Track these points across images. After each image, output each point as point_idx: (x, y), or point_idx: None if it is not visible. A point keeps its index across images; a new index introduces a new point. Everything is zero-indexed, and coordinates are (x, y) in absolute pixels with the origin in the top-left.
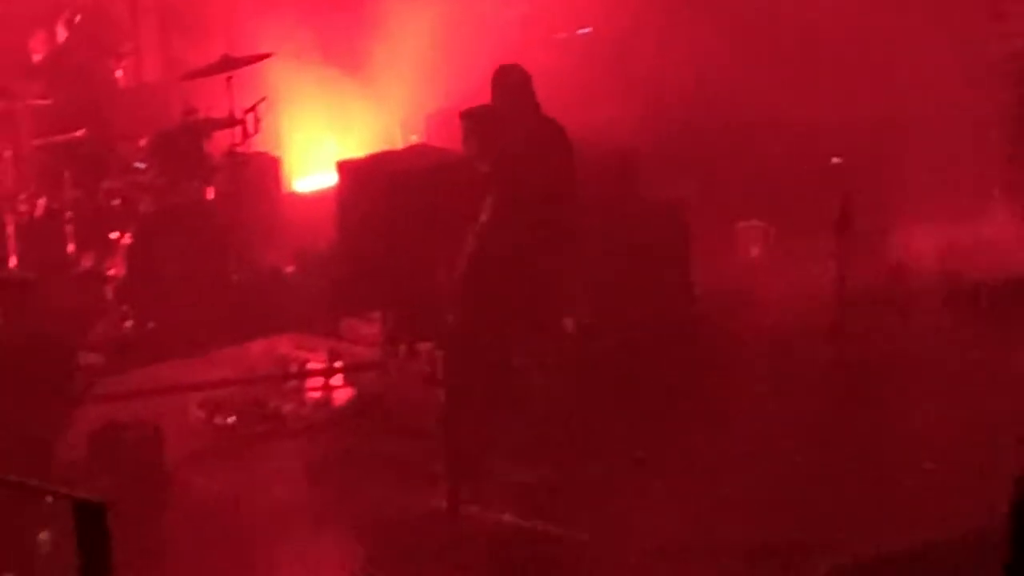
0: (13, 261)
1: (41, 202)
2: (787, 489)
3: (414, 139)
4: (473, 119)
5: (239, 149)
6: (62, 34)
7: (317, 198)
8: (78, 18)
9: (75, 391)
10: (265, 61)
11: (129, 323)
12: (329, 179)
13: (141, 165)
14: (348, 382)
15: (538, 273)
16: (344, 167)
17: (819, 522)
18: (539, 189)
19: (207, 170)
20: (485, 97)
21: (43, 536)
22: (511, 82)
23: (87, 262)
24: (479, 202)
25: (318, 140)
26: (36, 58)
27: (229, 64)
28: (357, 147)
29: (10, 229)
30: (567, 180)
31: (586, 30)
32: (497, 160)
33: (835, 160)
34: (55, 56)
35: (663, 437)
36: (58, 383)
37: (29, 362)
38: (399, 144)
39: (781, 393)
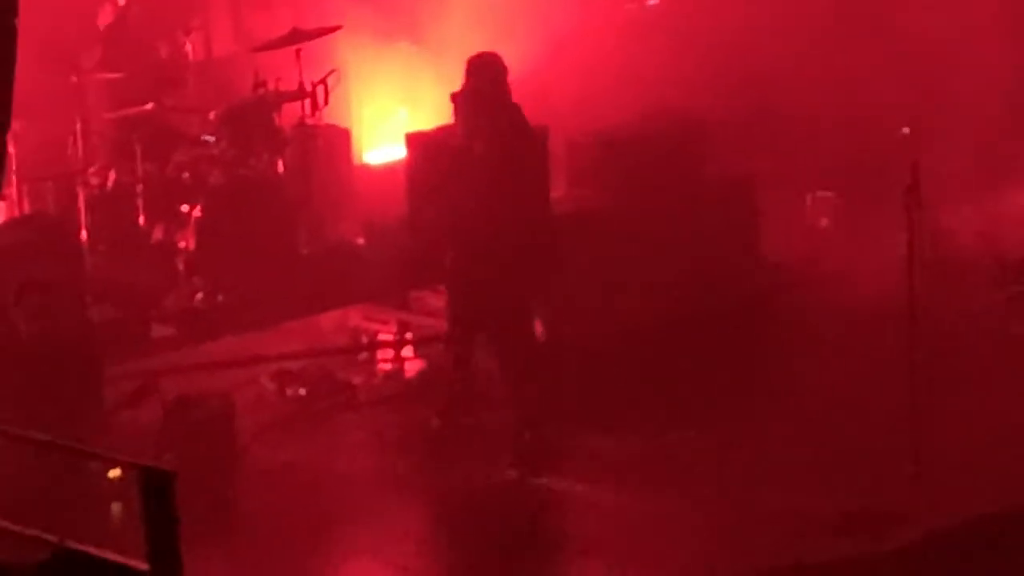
0: (83, 234)
1: (112, 175)
2: (867, 458)
3: None
4: (466, 100)
5: (309, 122)
6: (131, 8)
7: (386, 170)
8: None
9: (101, 400)
10: (334, 34)
11: (200, 295)
12: (398, 151)
13: (211, 138)
14: (418, 354)
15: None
16: (413, 139)
17: (904, 490)
18: (527, 170)
19: (277, 143)
20: (553, 68)
21: (115, 507)
22: (488, 70)
23: (157, 235)
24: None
25: (387, 112)
26: (105, 32)
27: (298, 37)
28: (426, 119)
29: (81, 202)
30: (541, 166)
31: (655, 1)
32: (489, 139)
33: (904, 130)
34: (125, 30)
35: (739, 409)
36: (85, 391)
37: (55, 370)
38: None
39: (855, 363)
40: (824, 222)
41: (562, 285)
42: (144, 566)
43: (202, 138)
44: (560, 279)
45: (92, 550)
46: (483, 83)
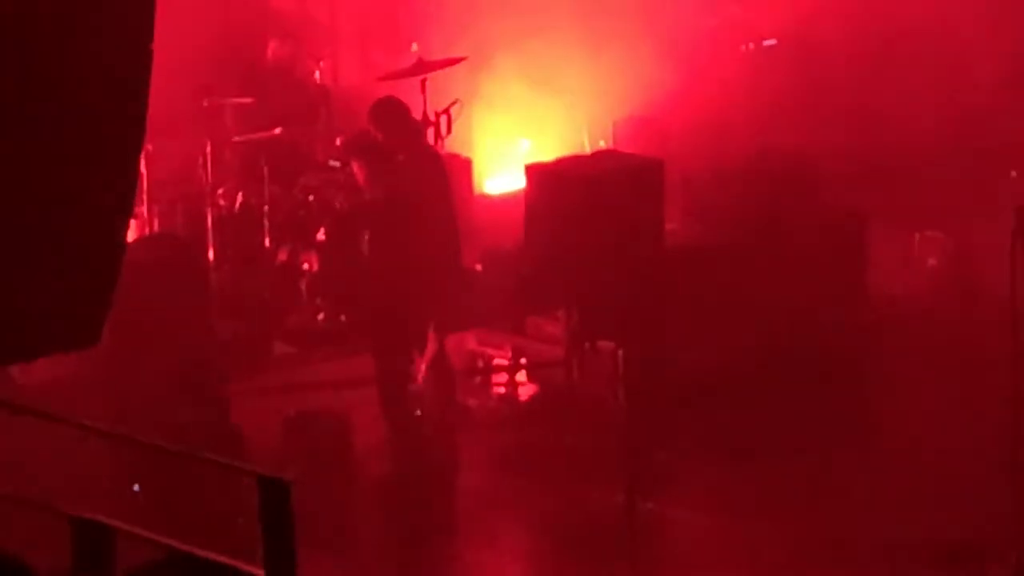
0: (211, 253)
1: (239, 197)
2: (968, 492)
3: (602, 144)
4: (362, 149)
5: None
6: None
7: (506, 199)
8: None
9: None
10: (458, 65)
11: (321, 316)
12: (517, 181)
13: (336, 163)
14: (532, 378)
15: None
16: (532, 170)
17: (1004, 525)
18: (423, 217)
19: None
20: (670, 105)
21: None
22: (391, 114)
23: (282, 256)
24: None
25: (508, 143)
26: (239, 60)
27: (423, 67)
28: (546, 151)
29: (209, 222)
30: (446, 207)
31: (771, 42)
32: (387, 188)
33: (1013, 174)
34: (257, 58)
35: (843, 441)
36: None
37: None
38: (587, 149)
39: (958, 399)
40: (932, 261)
41: (675, 315)
42: (260, 572)
43: (328, 163)
44: (673, 309)
45: (208, 554)
46: (383, 133)
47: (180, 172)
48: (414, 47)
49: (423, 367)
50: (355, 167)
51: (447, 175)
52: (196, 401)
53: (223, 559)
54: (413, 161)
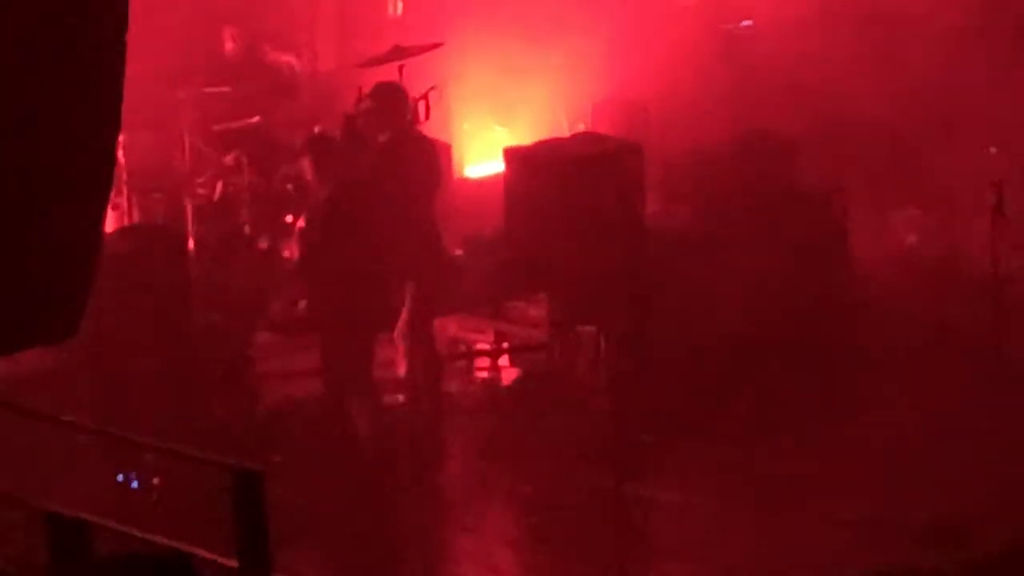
0: (191, 243)
1: (219, 186)
2: (952, 468)
3: (581, 127)
4: (313, 147)
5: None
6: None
7: (485, 184)
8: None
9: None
10: (435, 50)
11: (302, 304)
12: (497, 166)
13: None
14: (514, 362)
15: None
16: (512, 154)
17: (988, 500)
18: (396, 200)
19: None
20: (648, 87)
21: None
22: (390, 96)
23: (263, 244)
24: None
25: (486, 128)
26: (215, 49)
27: (400, 53)
28: (524, 135)
29: (188, 212)
30: (426, 191)
31: (748, 22)
32: (334, 188)
33: (992, 150)
34: (234, 46)
35: (825, 421)
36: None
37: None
38: (566, 132)
39: (940, 376)
40: (911, 239)
41: (656, 298)
42: (233, 563)
43: None
44: (654, 292)
45: (182, 546)
46: (373, 118)
47: (159, 162)
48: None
49: (402, 356)
50: (304, 165)
51: (435, 160)
52: (181, 391)
53: (196, 550)
54: (397, 145)
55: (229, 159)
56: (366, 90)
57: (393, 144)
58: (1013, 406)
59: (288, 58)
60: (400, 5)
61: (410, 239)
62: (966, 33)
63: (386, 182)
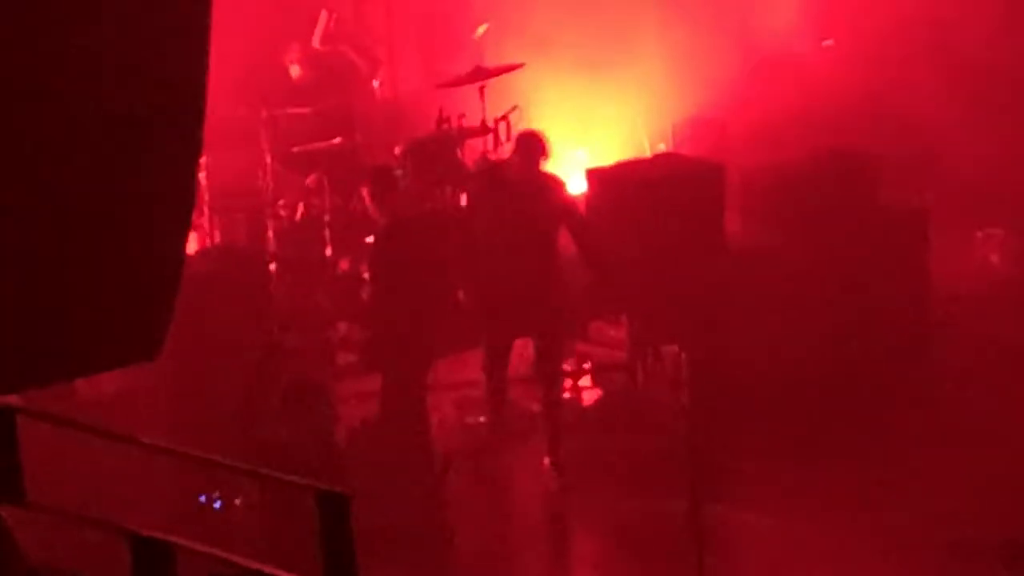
0: (272, 265)
1: (300, 207)
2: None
3: (662, 147)
4: (373, 177)
5: (491, 157)
6: (320, 45)
7: None
8: (332, 22)
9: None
10: (516, 71)
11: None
12: (579, 186)
13: (397, 172)
14: (596, 383)
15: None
16: (593, 175)
17: None
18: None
19: (460, 177)
20: (729, 106)
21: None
22: (530, 147)
23: (343, 265)
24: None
25: (567, 148)
26: (294, 69)
27: (482, 74)
28: (606, 155)
29: (270, 233)
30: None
31: (829, 42)
32: (391, 219)
33: None
34: (315, 66)
35: (906, 440)
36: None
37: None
38: (647, 152)
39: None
40: (994, 258)
41: (738, 318)
42: None
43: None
44: (736, 312)
45: (267, 568)
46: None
47: (241, 183)
48: (481, 30)
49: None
50: (364, 194)
51: (562, 196)
52: (260, 411)
53: (280, 572)
54: (533, 185)
55: (310, 180)
56: (446, 111)
57: (530, 184)
58: None
59: (369, 77)
60: (483, 26)
61: (533, 274)
62: None
63: (522, 221)
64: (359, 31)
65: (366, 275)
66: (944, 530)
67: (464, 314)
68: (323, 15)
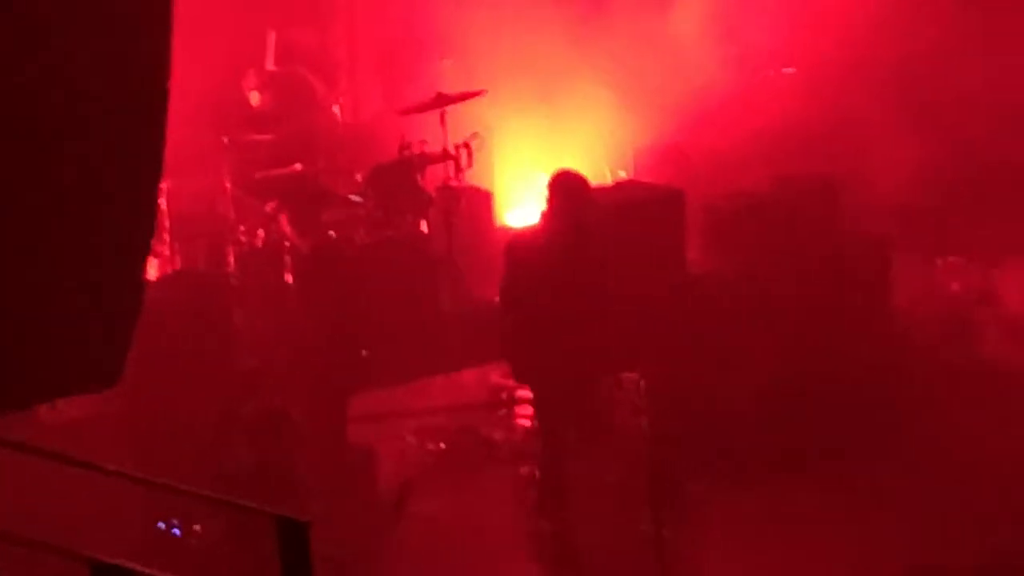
0: (233, 290)
1: (260, 233)
2: (998, 514)
3: (622, 175)
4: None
5: (452, 183)
6: (274, 66)
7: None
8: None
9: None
10: (478, 98)
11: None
12: (539, 213)
13: (358, 198)
14: None
15: None
16: None
17: None
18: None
19: (421, 203)
20: (689, 135)
21: None
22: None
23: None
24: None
25: (528, 175)
26: (253, 95)
27: (443, 100)
28: None
29: (231, 259)
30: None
31: (790, 70)
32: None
33: None
34: (273, 90)
35: (869, 467)
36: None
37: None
38: (607, 180)
39: (984, 423)
40: (955, 287)
41: (698, 344)
42: None
43: (349, 198)
44: (696, 338)
45: None
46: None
47: (201, 209)
48: (446, 65)
49: None
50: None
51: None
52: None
53: None
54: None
55: (270, 206)
56: (407, 137)
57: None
58: None
59: (330, 104)
60: (444, 54)
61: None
62: (1009, 78)
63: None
64: (319, 55)
65: None
66: (907, 555)
67: (426, 340)
68: (271, 35)
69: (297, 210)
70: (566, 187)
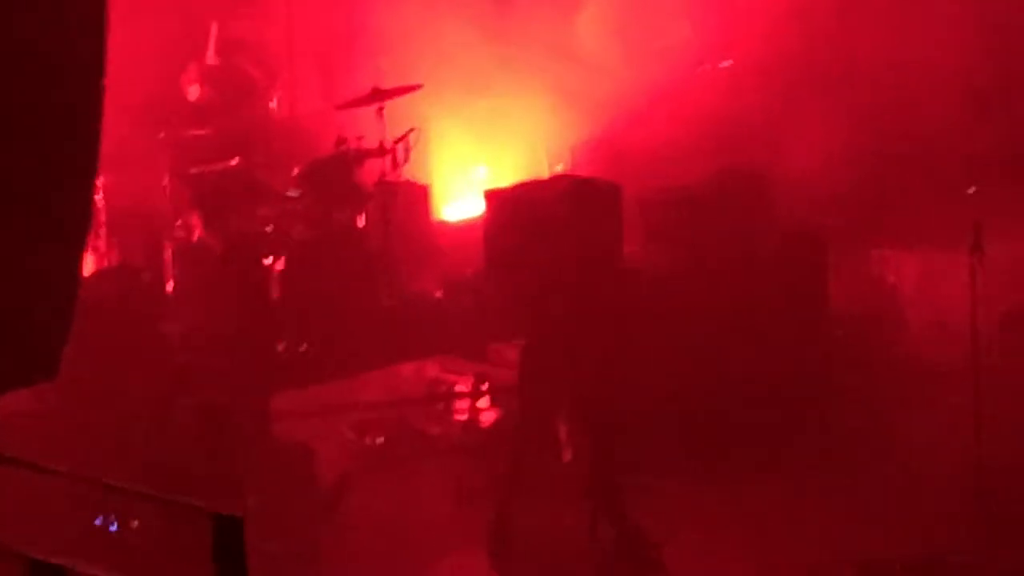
0: (170, 285)
1: (197, 228)
2: (933, 508)
3: (559, 169)
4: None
5: (389, 178)
6: (215, 58)
7: (465, 226)
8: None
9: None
10: (415, 92)
11: (282, 346)
12: (476, 207)
13: (294, 193)
14: (494, 404)
15: None
16: (491, 196)
17: (969, 539)
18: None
19: (358, 198)
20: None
21: None
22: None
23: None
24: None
25: (466, 169)
26: (192, 90)
27: (379, 96)
28: (504, 176)
29: (167, 254)
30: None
31: (727, 63)
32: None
33: (971, 190)
34: (213, 83)
35: (804, 461)
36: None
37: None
38: (544, 174)
39: (921, 416)
40: (891, 279)
41: (635, 338)
42: None
43: (286, 193)
44: (633, 332)
45: None
46: None
47: (138, 205)
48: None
49: None
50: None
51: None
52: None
53: None
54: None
55: (186, 204)
56: (344, 132)
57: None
58: (993, 448)
59: (266, 98)
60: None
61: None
62: (942, 71)
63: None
64: (259, 48)
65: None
66: (849, 552)
67: (364, 335)
68: (213, 27)
69: (214, 207)
70: None
